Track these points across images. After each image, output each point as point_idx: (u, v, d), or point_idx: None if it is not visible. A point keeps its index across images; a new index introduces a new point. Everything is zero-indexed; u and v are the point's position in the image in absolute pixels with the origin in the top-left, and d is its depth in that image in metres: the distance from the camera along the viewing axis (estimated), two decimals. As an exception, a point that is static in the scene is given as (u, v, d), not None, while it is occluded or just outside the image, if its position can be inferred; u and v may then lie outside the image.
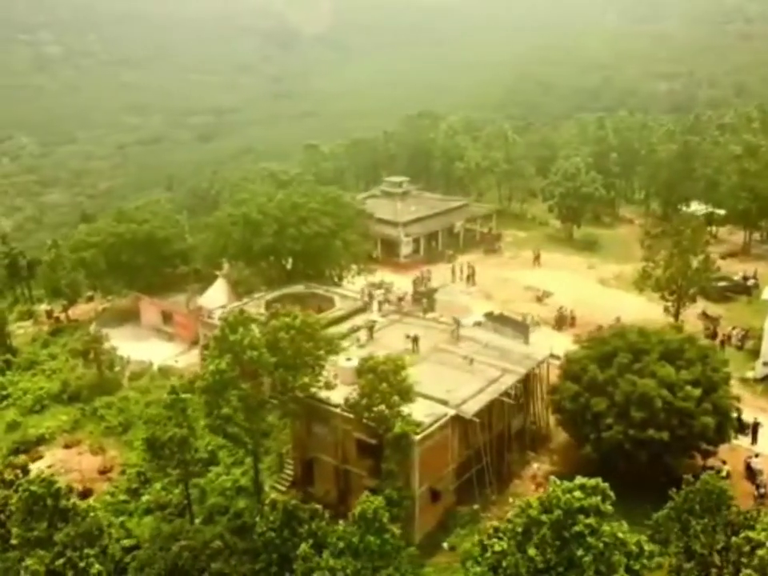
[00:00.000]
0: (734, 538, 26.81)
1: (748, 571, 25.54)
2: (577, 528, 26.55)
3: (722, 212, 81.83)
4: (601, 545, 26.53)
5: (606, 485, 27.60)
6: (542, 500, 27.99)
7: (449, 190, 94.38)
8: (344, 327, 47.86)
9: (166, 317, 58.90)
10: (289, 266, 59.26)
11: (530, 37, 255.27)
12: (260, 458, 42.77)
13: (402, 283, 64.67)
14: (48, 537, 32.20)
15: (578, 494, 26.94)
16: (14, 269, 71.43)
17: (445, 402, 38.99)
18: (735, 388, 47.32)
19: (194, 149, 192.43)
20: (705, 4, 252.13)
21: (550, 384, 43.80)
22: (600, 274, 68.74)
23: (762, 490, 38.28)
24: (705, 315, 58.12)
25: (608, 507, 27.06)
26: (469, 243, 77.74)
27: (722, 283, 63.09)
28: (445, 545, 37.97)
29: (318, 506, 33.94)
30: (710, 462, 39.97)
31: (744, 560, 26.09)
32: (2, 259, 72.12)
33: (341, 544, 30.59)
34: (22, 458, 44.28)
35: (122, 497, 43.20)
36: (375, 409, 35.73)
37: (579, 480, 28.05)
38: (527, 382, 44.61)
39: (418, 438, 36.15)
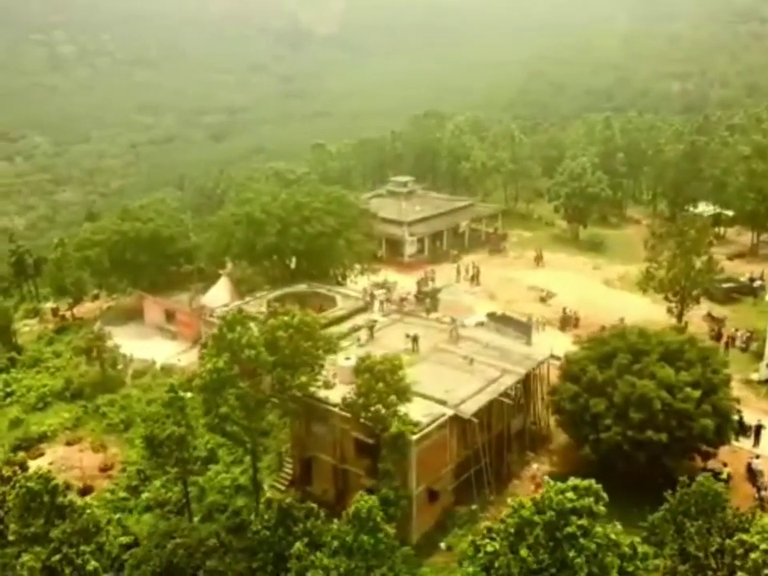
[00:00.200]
0: (727, 541, 26.60)
1: (742, 574, 25.40)
2: (569, 529, 26.43)
3: (730, 213, 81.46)
4: (593, 546, 26.41)
5: (599, 486, 27.42)
6: (536, 501, 27.92)
7: (455, 189, 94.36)
8: (345, 326, 47.90)
9: (170, 315, 59.12)
10: (292, 266, 59.36)
11: (542, 36, 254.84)
12: (259, 457, 42.86)
13: (406, 283, 64.60)
14: (45, 533, 32.30)
15: (570, 494, 26.82)
16: (20, 267, 71.93)
17: (443, 402, 38.92)
18: (739, 390, 47.21)
19: (206, 148, 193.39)
20: (717, 4, 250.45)
21: (551, 384, 43.68)
22: (605, 275, 68.45)
23: (764, 493, 38.00)
24: (710, 316, 57.80)
25: (601, 508, 26.89)
26: (474, 243, 77.59)
27: (728, 284, 62.70)
28: (442, 545, 37.89)
29: (314, 505, 33.95)
30: (711, 463, 39.75)
31: (737, 563, 25.91)
32: (9, 257, 72.68)
33: (335, 543, 30.64)
34: (21, 454, 44.49)
35: (122, 494, 43.43)
36: (372, 408, 35.70)
37: (573, 481, 27.91)
38: (527, 383, 44.49)
39: (415, 437, 36.08)
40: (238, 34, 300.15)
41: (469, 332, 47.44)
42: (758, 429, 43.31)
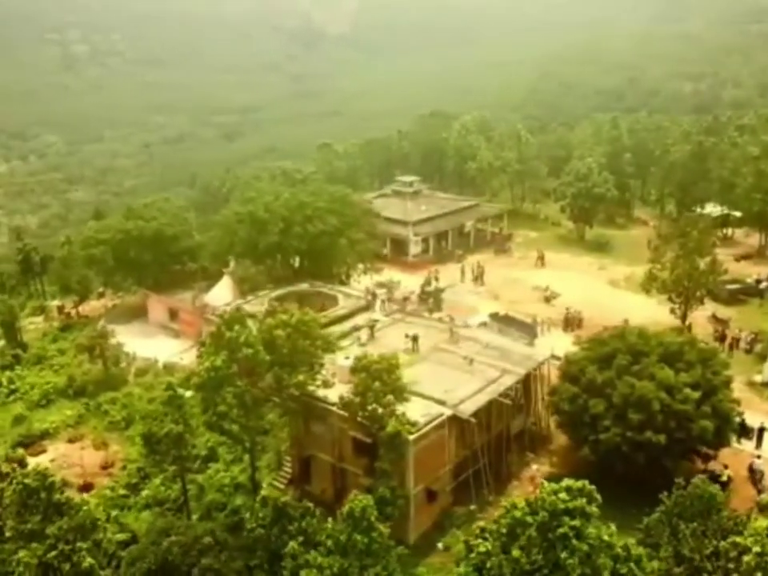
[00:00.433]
0: (722, 543, 26.42)
1: (735, 577, 25.27)
2: (561, 530, 26.27)
3: (738, 214, 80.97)
4: (585, 547, 26.25)
5: (593, 487, 27.25)
6: (529, 501, 27.81)
7: (462, 189, 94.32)
8: (346, 326, 47.90)
9: (173, 314, 59.30)
10: (296, 265, 59.44)
11: (554, 36, 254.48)
12: (259, 456, 43.06)
13: (410, 282, 64.59)
14: (42, 530, 32.48)
15: (563, 495, 26.66)
16: (27, 265, 72.25)
17: (442, 402, 38.88)
18: (742, 392, 46.94)
19: (218, 147, 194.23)
20: (730, 4, 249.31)
21: (551, 385, 43.52)
22: (610, 276, 68.12)
23: (764, 495, 37.73)
24: (715, 317, 57.45)
25: (594, 509, 26.72)
26: (479, 243, 77.44)
27: (734, 286, 62.29)
28: (440, 545, 37.82)
29: (310, 504, 33.96)
30: (711, 465, 39.49)
31: (731, 565, 25.73)
32: (16, 255, 73.11)
33: (329, 542, 30.62)
34: (20, 451, 44.72)
35: (122, 492, 43.58)
36: (369, 407, 35.72)
37: (566, 482, 27.77)
38: (527, 383, 44.34)
39: (412, 437, 36.03)
40: (251, 33, 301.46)
41: (469, 332, 47.34)
42: (761, 431, 42.97)
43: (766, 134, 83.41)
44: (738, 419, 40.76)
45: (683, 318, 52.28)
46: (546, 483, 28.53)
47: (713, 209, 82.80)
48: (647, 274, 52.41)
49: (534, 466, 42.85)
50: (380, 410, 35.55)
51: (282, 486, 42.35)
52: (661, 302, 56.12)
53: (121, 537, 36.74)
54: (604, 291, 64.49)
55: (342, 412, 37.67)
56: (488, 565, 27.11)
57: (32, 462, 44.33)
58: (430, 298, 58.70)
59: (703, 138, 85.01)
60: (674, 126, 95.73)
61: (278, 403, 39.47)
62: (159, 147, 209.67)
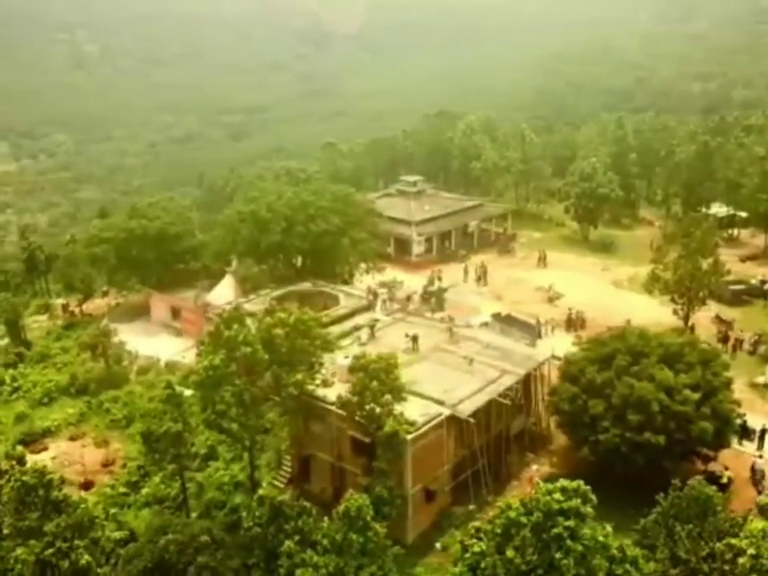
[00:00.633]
0: (717, 545, 26.30)
1: (730, 579, 25.16)
2: (556, 530, 26.24)
3: (743, 214, 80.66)
4: (580, 547, 26.19)
5: (588, 488, 27.19)
6: (524, 502, 27.77)
7: (467, 189, 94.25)
8: (347, 325, 47.88)
9: (176, 313, 59.43)
10: (299, 264, 59.47)
11: (563, 35, 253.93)
12: (259, 455, 43.09)
13: (412, 282, 64.51)
14: (40, 527, 32.61)
15: (557, 496, 26.61)
16: (32, 263, 72.58)
17: (441, 402, 38.82)
18: (745, 393, 46.87)
19: (225, 147, 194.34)
20: (740, 4, 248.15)
21: (552, 385, 43.41)
22: (614, 276, 67.96)
23: (762, 497, 37.56)
24: (719, 318, 57.22)
25: (588, 510, 26.67)
26: (483, 243, 77.34)
27: (738, 286, 62.03)
28: (438, 545, 37.78)
29: (306, 503, 34.01)
30: (712, 467, 39.33)
31: (726, 567, 25.62)
32: (21, 254, 73.44)
33: (325, 541, 30.66)
34: (19, 449, 44.90)
35: (122, 489, 43.62)
36: (366, 407, 35.70)
37: (561, 482, 27.70)
38: (528, 383, 44.23)
39: (410, 437, 35.99)
40: (260, 33, 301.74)
41: (469, 332, 47.26)
42: (763, 432, 42.79)
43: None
44: (739, 421, 40.67)
45: (686, 318, 52.09)
46: (541, 483, 28.52)
47: (719, 209, 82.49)
48: (650, 274, 52.20)
49: (534, 467, 42.78)
50: (378, 410, 35.51)
51: (281, 485, 42.37)
52: (664, 303, 55.92)
53: (118, 535, 36.75)
54: (607, 292, 64.34)
55: (340, 411, 37.68)
56: (482, 565, 27.07)
57: (34, 459, 44.40)
58: (432, 298, 58.57)
59: (709, 138, 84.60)
60: (679, 125, 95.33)
61: (278, 402, 39.50)
62: (167, 146, 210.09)
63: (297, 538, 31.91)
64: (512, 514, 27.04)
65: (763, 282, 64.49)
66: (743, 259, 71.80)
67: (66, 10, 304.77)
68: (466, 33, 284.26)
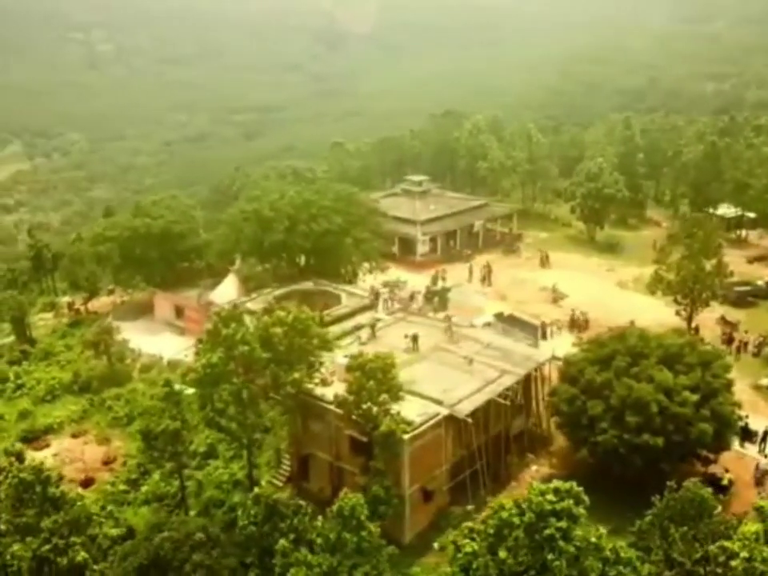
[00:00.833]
0: (710, 548, 26.12)
1: (724, 581, 24.97)
2: (548, 531, 26.13)
3: (752, 215, 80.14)
4: (572, 549, 26.08)
5: (581, 489, 27.08)
6: (518, 502, 27.66)
7: (474, 189, 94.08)
8: (348, 324, 47.86)
9: (179, 311, 59.60)
10: (302, 264, 59.50)
11: (578, 35, 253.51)
12: (258, 453, 43.19)
13: (417, 282, 64.40)
14: (37, 524, 32.80)
15: (550, 496, 26.50)
16: (39, 261, 72.96)
17: (439, 402, 38.75)
18: (749, 395, 46.66)
19: (238, 146, 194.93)
20: (758, 4, 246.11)
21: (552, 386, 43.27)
22: (619, 277, 67.56)
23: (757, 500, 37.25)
24: (723, 320, 56.89)
25: (581, 511, 26.54)
26: (488, 243, 77.09)
27: (744, 287, 61.63)
28: (435, 545, 37.71)
29: (302, 502, 34.04)
30: (712, 469, 39.10)
31: (719, 570, 25.43)
32: (28, 252, 73.88)
33: (319, 540, 30.67)
34: (19, 445, 45.16)
35: (122, 487, 43.85)
36: (363, 406, 35.68)
37: (555, 483, 27.61)
38: (528, 384, 44.09)
39: (407, 436, 35.96)
40: (274, 33, 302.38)
41: (470, 332, 47.13)
42: (766, 434, 42.43)
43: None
44: (741, 423, 40.45)
45: (689, 319, 51.76)
46: (534, 484, 28.42)
47: (727, 210, 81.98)
48: (653, 275, 51.93)
49: (534, 467, 42.64)
50: (374, 409, 35.47)
51: (280, 484, 42.45)
52: (668, 304, 55.57)
53: (115, 532, 36.90)
54: (612, 292, 64.00)
55: (338, 410, 37.69)
56: (474, 565, 26.98)
57: (36, 456, 44.68)
58: (435, 298, 58.46)
59: (717, 138, 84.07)
60: (688, 126, 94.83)
61: (276, 401, 39.56)
62: (180, 145, 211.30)
63: (292, 536, 31.95)
64: (504, 515, 26.94)
65: (769, 284, 64.12)
66: (750, 260, 71.33)
67: (82, 9, 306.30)
68: (480, 33, 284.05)
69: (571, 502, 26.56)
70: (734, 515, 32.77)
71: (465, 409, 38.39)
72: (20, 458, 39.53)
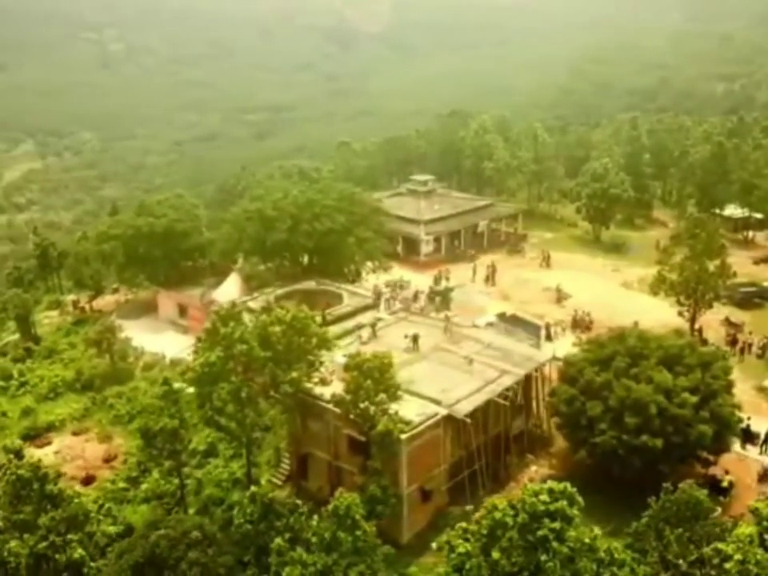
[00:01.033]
0: (705, 550, 25.95)
1: (718, 584, 24.81)
2: (541, 532, 26.02)
3: (759, 216, 79.65)
4: (566, 550, 25.95)
5: (574, 490, 26.96)
6: (512, 503, 27.57)
7: (480, 189, 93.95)
8: (350, 324, 47.81)
9: (182, 310, 59.74)
10: (305, 263, 59.52)
11: (590, 35, 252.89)
12: (258, 452, 43.22)
13: (420, 281, 64.31)
14: (34, 521, 32.95)
15: (543, 497, 26.39)
16: (45, 260, 73.27)
17: (438, 402, 38.67)
18: (752, 396, 46.40)
19: (248, 146, 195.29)
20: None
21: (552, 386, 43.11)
22: (624, 277, 67.27)
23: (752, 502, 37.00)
24: (728, 321, 56.57)
25: (575, 512, 26.41)
26: (493, 243, 76.93)
27: (749, 289, 61.27)
28: (433, 545, 37.58)
29: (299, 501, 34.06)
30: (712, 471, 38.87)
31: (713, 572, 25.27)
32: (34, 250, 74.21)
33: (314, 539, 30.65)
34: (17, 442, 45.36)
35: (122, 485, 44.01)
36: (361, 405, 35.65)
37: (549, 483, 27.49)
38: (528, 384, 43.94)
39: (405, 436, 35.89)
40: (286, 32, 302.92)
41: (471, 332, 47.02)
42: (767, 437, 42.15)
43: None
44: (743, 424, 40.19)
45: (692, 320, 51.46)
46: (529, 484, 28.31)
47: (734, 211, 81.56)
48: (656, 275, 51.66)
49: (533, 468, 42.47)
50: (372, 409, 35.43)
51: (280, 483, 42.50)
52: (673, 305, 55.08)
53: (113, 529, 37.02)
54: (616, 293, 63.72)
55: (337, 410, 37.68)
56: (467, 566, 26.90)
57: (37, 453, 44.93)
58: (437, 297, 58.37)
59: (724, 138, 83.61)
60: (696, 126, 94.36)
61: (276, 399, 39.56)
62: (190, 145, 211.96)
63: (287, 535, 31.95)
64: (498, 515, 26.83)
65: (775, 285, 63.65)
66: (757, 262, 70.98)
67: (94, 9, 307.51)
68: (491, 32, 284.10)
69: (565, 502, 26.44)
70: (732, 517, 32.64)
71: (463, 409, 38.30)
72: (19, 454, 39.64)
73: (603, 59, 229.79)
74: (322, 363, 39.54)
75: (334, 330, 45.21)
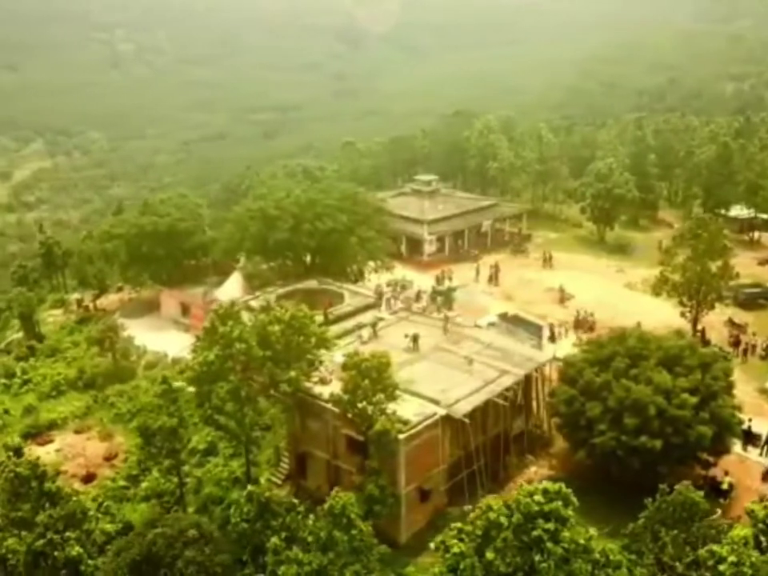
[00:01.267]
0: (700, 552, 25.83)
1: (712, 585, 24.68)
2: (535, 533, 25.96)
3: (765, 216, 79.26)
4: (560, 551, 25.87)
5: (569, 490, 26.87)
6: (507, 503, 27.49)
7: (485, 189, 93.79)
8: (350, 323, 47.79)
9: (185, 309, 59.84)
10: (308, 262, 59.54)
11: (600, 34, 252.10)
12: (259, 451, 43.21)
13: (423, 281, 64.23)
14: (32, 518, 33.06)
15: (538, 497, 26.32)
16: (49, 258, 73.52)
17: (437, 402, 38.62)
18: (754, 398, 46.23)
19: (256, 145, 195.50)
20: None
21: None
22: (628, 278, 67.01)
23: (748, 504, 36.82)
24: (731, 322, 56.33)
25: (569, 512, 26.33)
26: (497, 243, 76.81)
27: (753, 290, 60.97)
28: (432, 545, 37.48)
29: (295, 500, 34.07)
30: (712, 472, 38.71)
31: (707, 574, 25.15)
32: (39, 249, 74.49)
33: (310, 538, 30.67)
34: (17, 440, 45.55)
35: (122, 483, 44.08)
36: (359, 405, 35.64)
37: (544, 484, 27.43)
38: (528, 385, 43.83)
39: (402, 436, 35.86)
40: (295, 32, 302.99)
41: (472, 332, 46.95)
42: (769, 438, 41.95)
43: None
44: (744, 426, 40.01)
45: (694, 321, 51.26)
46: (524, 485, 28.25)
47: (740, 211, 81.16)
48: (658, 276, 51.47)
49: (533, 469, 42.38)
50: (369, 408, 35.41)
51: (279, 482, 42.51)
52: (677, 306, 54.92)
53: (111, 527, 37.10)
54: (620, 294, 63.49)
55: (335, 409, 37.68)
56: (461, 566, 26.84)
57: (38, 451, 45.13)
58: (438, 297, 58.30)
59: (730, 139, 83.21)
60: (702, 126, 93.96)
61: (276, 398, 39.61)
62: (198, 144, 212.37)
63: (284, 534, 31.98)
64: (492, 516, 26.77)
65: (780, 286, 63.30)
66: (762, 262, 70.58)
67: (104, 9, 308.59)
68: (500, 32, 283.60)
69: (560, 503, 26.36)
70: (732, 519, 32.48)
71: (462, 409, 38.24)
72: (18, 452, 39.79)
73: (612, 59, 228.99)
74: (321, 363, 39.60)
75: (334, 329, 45.29)
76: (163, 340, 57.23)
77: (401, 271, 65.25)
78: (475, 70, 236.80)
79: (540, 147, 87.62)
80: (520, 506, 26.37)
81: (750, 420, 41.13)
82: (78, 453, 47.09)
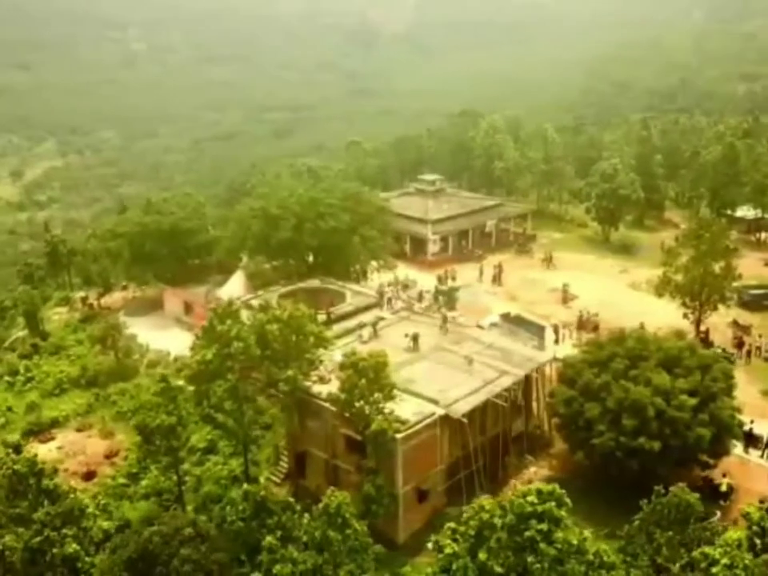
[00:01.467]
0: (693, 554, 25.69)
1: (706, 588, 24.52)
2: (528, 533, 25.87)
3: (772, 217, 78.99)
4: (553, 551, 25.76)
5: (563, 491, 26.75)
6: (500, 503, 27.43)
7: (490, 189, 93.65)
8: (352, 323, 47.81)
9: (188, 307, 59.96)
10: (311, 261, 59.60)
11: (613, 34, 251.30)
12: (257, 450, 43.24)
13: (426, 281, 64.23)
14: (30, 515, 33.14)
15: (531, 498, 26.23)
16: (55, 257, 73.78)
17: (435, 402, 38.58)
18: (757, 400, 45.92)
19: (268, 144, 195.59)
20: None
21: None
22: (632, 278, 66.68)
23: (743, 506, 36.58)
24: (736, 323, 55.99)
25: (563, 513, 26.22)
26: (501, 243, 76.67)
27: (759, 291, 60.59)
28: (429, 545, 37.42)
29: (291, 499, 34.03)
30: (712, 474, 38.49)
31: (701, 576, 25.01)
32: (45, 247, 74.78)
33: (305, 537, 30.66)
34: (16, 437, 45.72)
35: (122, 481, 44.11)
36: (356, 404, 35.62)
37: (537, 485, 27.34)
38: (528, 385, 43.72)
39: (400, 435, 35.84)
40: (308, 31, 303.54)
41: (472, 332, 46.88)
42: (770, 440, 41.67)
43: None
44: (746, 428, 39.78)
45: (697, 322, 51.01)
46: (518, 485, 28.17)
47: (746, 212, 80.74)
48: (661, 277, 51.23)
49: (533, 469, 42.27)
50: (367, 408, 35.39)
51: (278, 481, 42.58)
52: (681, 306, 54.72)
53: (108, 525, 37.18)
54: (623, 294, 63.24)
55: (333, 408, 37.68)
56: (454, 567, 26.77)
57: (41, 449, 45.30)
58: (440, 297, 58.25)
59: (736, 139, 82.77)
60: (710, 127, 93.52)
61: (276, 397, 39.63)
62: (211, 143, 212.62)
63: (279, 533, 31.91)
64: (485, 516, 26.69)
65: (785, 287, 62.84)
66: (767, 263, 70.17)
67: (117, 8, 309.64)
68: (513, 31, 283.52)
69: (553, 504, 26.26)
70: (730, 521, 32.32)
71: (461, 409, 38.19)
72: (17, 449, 39.94)
73: (624, 59, 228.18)
74: (321, 362, 39.61)
75: (336, 328, 45.36)
76: (166, 338, 57.28)
77: (404, 271, 65.30)
78: (488, 69, 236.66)
79: (545, 147, 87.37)
80: (513, 507, 26.28)
81: (751, 422, 40.90)
82: (78, 450, 47.14)
